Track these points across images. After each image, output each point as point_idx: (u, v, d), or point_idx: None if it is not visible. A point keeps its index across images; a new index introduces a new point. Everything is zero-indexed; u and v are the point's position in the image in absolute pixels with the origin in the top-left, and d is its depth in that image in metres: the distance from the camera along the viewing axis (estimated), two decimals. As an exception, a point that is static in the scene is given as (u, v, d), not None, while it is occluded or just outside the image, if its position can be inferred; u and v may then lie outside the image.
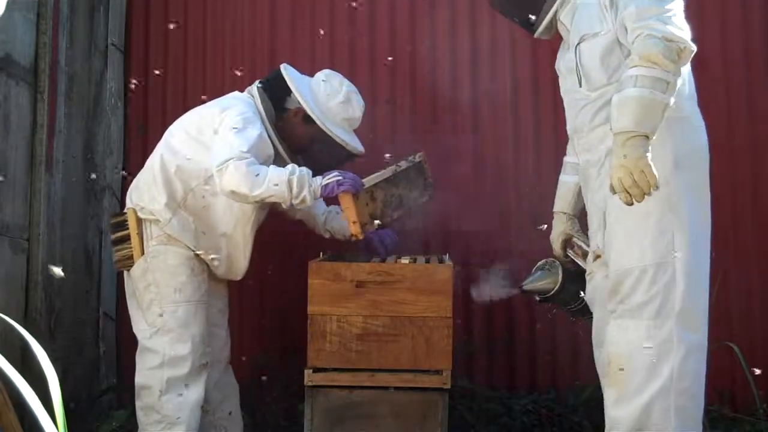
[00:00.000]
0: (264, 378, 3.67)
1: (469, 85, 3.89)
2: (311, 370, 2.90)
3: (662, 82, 2.28)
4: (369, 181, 3.06)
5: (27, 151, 3.25)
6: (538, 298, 2.93)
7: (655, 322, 2.41)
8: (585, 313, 2.85)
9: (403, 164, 3.25)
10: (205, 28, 3.97)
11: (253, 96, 3.13)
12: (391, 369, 2.89)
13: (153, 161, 3.08)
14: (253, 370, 3.48)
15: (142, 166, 3.32)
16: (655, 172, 2.26)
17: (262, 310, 3.79)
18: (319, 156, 3.13)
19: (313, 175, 2.91)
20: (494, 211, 3.81)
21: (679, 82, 2.36)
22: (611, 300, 2.52)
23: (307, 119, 3.11)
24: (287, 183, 2.83)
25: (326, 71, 3.23)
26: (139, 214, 3.03)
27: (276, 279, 3.79)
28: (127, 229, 3.04)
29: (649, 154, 2.26)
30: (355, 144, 3.19)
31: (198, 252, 3.03)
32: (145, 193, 3.04)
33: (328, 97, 3.13)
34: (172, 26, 3.87)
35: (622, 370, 2.44)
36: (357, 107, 3.19)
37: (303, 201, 2.87)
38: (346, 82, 3.19)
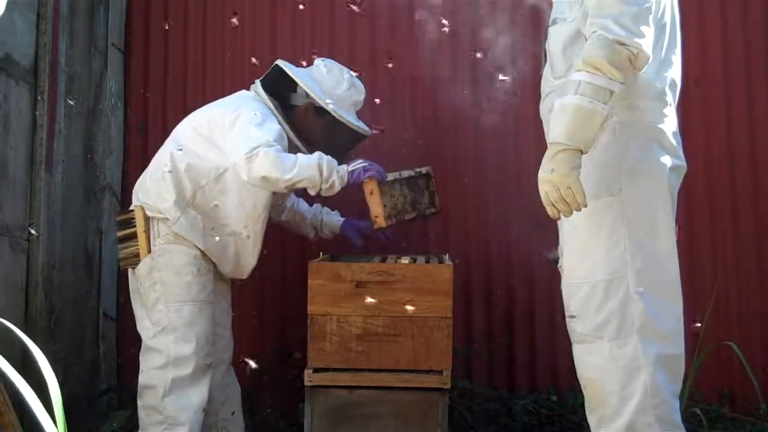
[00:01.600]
0: (264, 378, 3.67)
1: (469, 84, 3.89)
2: (311, 370, 2.90)
3: (605, 91, 2.15)
4: (392, 175, 3.11)
5: (27, 151, 3.24)
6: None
7: (617, 342, 2.32)
8: None
9: (419, 170, 3.33)
10: (205, 28, 3.97)
11: (259, 95, 3.14)
12: (391, 369, 2.90)
13: (161, 159, 3.07)
14: (253, 370, 3.48)
15: (142, 166, 3.33)
16: (583, 192, 2.18)
17: (262, 311, 3.79)
18: (331, 144, 3.15)
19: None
20: (495, 209, 3.81)
21: (634, 86, 2.23)
22: (567, 313, 2.45)
23: (319, 111, 3.14)
24: (317, 167, 2.88)
25: (324, 60, 3.26)
26: (147, 212, 3.03)
27: (276, 279, 3.79)
28: (133, 227, 3.04)
29: (580, 169, 2.18)
30: (364, 127, 3.25)
31: (205, 251, 3.03)
32: (153, 191, 3.04)
33: (335, 86, 3.17)
34: (167, 26, 3.88)
35: (596, 394, 2.38)
36: (361, 91, 3.26)
37: (332, 186, 2.92)
38: (345, 68, 3.24)
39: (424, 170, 3.39)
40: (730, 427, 3.50)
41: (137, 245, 3.02)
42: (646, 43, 2.19)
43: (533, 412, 3.60)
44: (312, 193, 2.96)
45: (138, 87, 3.98)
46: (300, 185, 2.91)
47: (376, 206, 2.99)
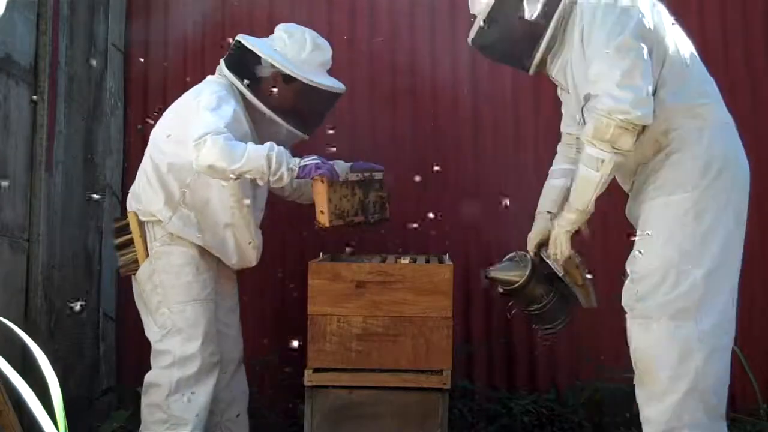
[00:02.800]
0: (264, 378, 3.67)
1: (469, 84, 3.89)
2: (311, 370, 2.90)
3: (597, 160, 2.42)
4: (350, 175, 3.06)
5: (27, 151, 3.24)
6: (500, 290, 2.83)
7: (676, 322, 2.42)
8: (544, 321, 2.79)
9: (373, 174, 3.23)
10: (205, 28, 3.97)
11: (223, 73, 3.09)
12: (391, 369, 2.89)
13: (144, 165, 3.07)
14: (253, 370, 3.48)
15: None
16: (567, 245, 2.62)
17: (262, 311, 3.79)
18: (307, 110, 3.12)
19: (307, 130, 3.10)
20: (495, 209, 3.81)
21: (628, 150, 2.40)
22: (629, 296, 2.53)
23: (287, 79, 3.06)
24: (266, 158, 2.79)
25: (283, 26, 3.18)
26: (140, 217, 3.03)
27: (276, 279, 3.79)
28: (130, 233, 3.04)
29: (571, 225, 2.58)
30: (336, 85, 3.17)
31: (206, 247, 3.01)
32: (142, 196, 3.03)
33: (298, 51, 3.10)
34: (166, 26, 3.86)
35: (648, 370, 2.47)
36: (326, 49, 3.18)
37: (280, 178, 2.82)
38: (307, 29, 3.16)
39: (378, 175, 3.27)
40: (730, 427, 3.50)
41: (135, 251, 3.03)
42: (639, 103, 2.35)
43: (533, 412, 3.60)
44: (260, 183, 2.88)
45: (138, 87, 3.98)
46: (247, 175, 2.82)
47: (321, 204, 2.92)
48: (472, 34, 2.72)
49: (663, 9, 2.59)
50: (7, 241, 3.10)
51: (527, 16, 2.59)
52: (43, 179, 3.28)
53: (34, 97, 3.27)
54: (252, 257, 3.14)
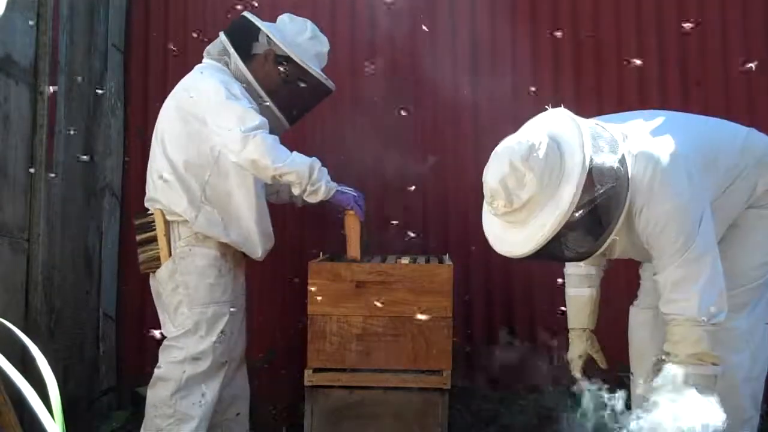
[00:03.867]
0: (264, 378, 3.67)
1: (469, 85, 3.89)
2: (311, 370, 2.91)
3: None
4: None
5: (27, 151, 3.24)
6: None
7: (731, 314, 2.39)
8: None
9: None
10: (205, 28, 3.96)
11: (222, 41, 3.09)
12: (391, 369, 2.90)
13: (158, 167, 3.04)
14: (253, 369, 3.48)
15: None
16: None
17: (261, 311, 3.79)
18: (293, 96, 3.12)
19: (289, 118, 3.11)
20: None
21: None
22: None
23: (279, 58, 3.08)
24: (309, 166, 2.88)
25: (287, 14, 3.21)
26: (167, 217, 3.02)
27: (276, 279, 3.79)
28: (153, 230, 3.02)
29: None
30: (327, 79, 3.18)
31: (230, 243, 3.01)
32: (163, 197, 3.01)
33: (297, 34, 3.12)
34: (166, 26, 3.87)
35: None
36: (324, 42, 3.21)
37: (316, 191, 2.91)
38: (309, 21, 3.20)
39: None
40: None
41: (157, 249, 3.01)
42: (723, 302, 2.30)
43: (533, 412, 3.60)
44: (295, 191, 2.94)
45: (138, 87, 3.97)
46: (287, 177, 2.88)
47: (354, 239, 3.07)
48: (533, 244, 2.24)
49: None
50: (7, 241, 3.10)
51: (603, 203, 2.23)
52: (42, 179, 3.28)
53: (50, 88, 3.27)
54: (272, 238, 3.15)
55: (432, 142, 3.87)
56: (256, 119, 2.88)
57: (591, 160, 2.18)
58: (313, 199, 2.95)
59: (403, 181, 3.63)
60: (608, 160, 2.22)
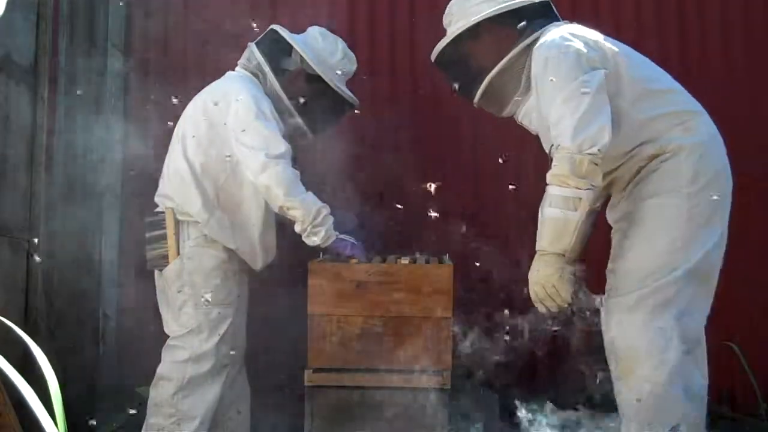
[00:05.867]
0: (264, 378, 3.67)
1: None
2: (311, 370, 2.90)
3: (574, 200, 2.40)
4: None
5: (27, 151, 3.24)
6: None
7: (653, 315, 2.47)
8: None
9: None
10: (205, 28, 3.96)
11: (254, 54, 3.14)
12: (391, 369, 2.89)
13: (177, 165, 3.06)
14: (253, 369, 3.47)
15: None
16: (567, 287, 2.46)
17: (261, 311, 3.79)
18: (320, 111, 3.17)
19: (314, 131, 3.18)
20: (495, 209, 3.81)
21: (598, 187, 2.45)
22: (610, 296, 2.60)
23: (311, 78, 3.13)
24: (316, 210, 2.96)
25: (318, 29, 3.25)
26: (178, 216, 3.03)
27: (276, 278, 3.79)
28: (163, 228, 3.04)
29: (563, 270, 2.45)
30: (353, 96, 3.25)
31: (236, 251, 3.05)
32: (177, 196, 3.04)
33: (330, 55, 3.18)
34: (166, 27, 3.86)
35: (627, 363, 2.51)
36: (353, 61, 3.27)
37: (316, 234, 2.98)
38: (339, 38, 3.24)
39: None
40: (729, 427, 3.50)
41: (166, 247, 3.03)
42: (602, 135, 2.41)
43: (533, 411, 3.60)
44: (297, 228, 3.01)
45: (138, 86, 3.97)
46: (293, 213, 2.96)
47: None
48: (436, 51, 2.83)
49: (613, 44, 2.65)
50: (7, 241, 3.10)
51: (483, 52, 2.72)
52: (43, 179, 3.28)
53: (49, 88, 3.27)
54: (274, 251, 3.21)
55: (432, 143, 3.87)
56: (281, 146, 2.95)
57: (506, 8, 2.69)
58: (311, 242, 3.01)
59: (403, 181, 3.63)
60: (520, 21, 2.69)
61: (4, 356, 1.46)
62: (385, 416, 2.88)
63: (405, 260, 3.09)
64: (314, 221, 2.96)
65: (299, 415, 2.99)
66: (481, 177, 3.90)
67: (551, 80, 2.49)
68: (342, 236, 3.06)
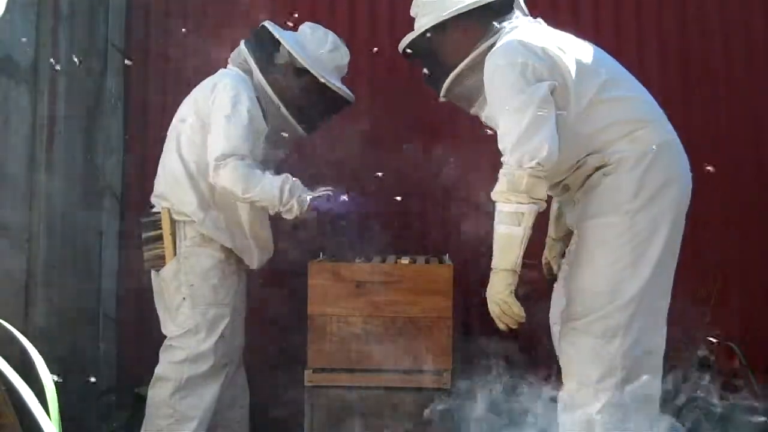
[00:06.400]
0: (264, 378, 3.67)
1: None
2: (311, 370, 2.91)
3: (517, 215, 2.41)
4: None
5: (27, 151, 3.24)
6: None
7: (603, 340, 2.46)
8: None
9: None
10: (205, 28, 3.96)
11: (242, 52, 3.11)
12: (391, 369, 2.89)
13: (171, 165, 3.06)
14: (253, 369, 3.48)
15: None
16: (517, 305, 2.44)
17: (261, 311, 3.79)
18: (312, 107, 3.13)
19: (307, 128, 3.13)
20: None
21: (540, 201, 2.43)
22: (563, 316, 2.61)
23: (299, 72, 3.07)
24: (279, 190, 2.89)
25: (309, 23, 3.22)
26: (173, 216, 3.03)
27: (276, 279, 3.79)
28: (159, 228, 3.03)
29: (513, 286, 2.44)
30: (346, 91, 3.18)
31: (234, 249, 3.05)
32: (172, 196, 3.03)
33: (318, 46, 3.12)
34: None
35: (571, 381, 2.56)
36: (345, 54, 3.20)
37: (290, 210, 2.92)
38: (330, 32, 3.19)
39: None
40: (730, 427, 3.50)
41: (162, 247, 3.02)
42: (542, 149, 2.38)
43: (533, 411, 3.59)
44: (270, 212, 2.98)
45: (138, 87, 3.97)
46: (259, 204, 2.93)
47: None
48: (404, 42, 2.79)
49: (573, 41, 2.62)
50: (7, 241, 3.10)
51: (448, 49, 2.70)
52: (43, 179, 3.28)
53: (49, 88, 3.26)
54: (270, 250, 3.19)
55: (432, 142, 3.86)
56: (237, 147, 2.88)
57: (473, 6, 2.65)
58: (290, 217, 2.96)
59: (402, 180, 3.62)
60: (484, 19, 2.64)
61: (4, 356, 1.47)
62: (385, 416, 2.88)
63: (405, 260, 3.09)
64: (282, 201, 2.90)
65: (299, 415, 3.00)
66: (481, 177, 3.90)
67: (498, 91, 2.48)
68: (317, 193, 2.96)
